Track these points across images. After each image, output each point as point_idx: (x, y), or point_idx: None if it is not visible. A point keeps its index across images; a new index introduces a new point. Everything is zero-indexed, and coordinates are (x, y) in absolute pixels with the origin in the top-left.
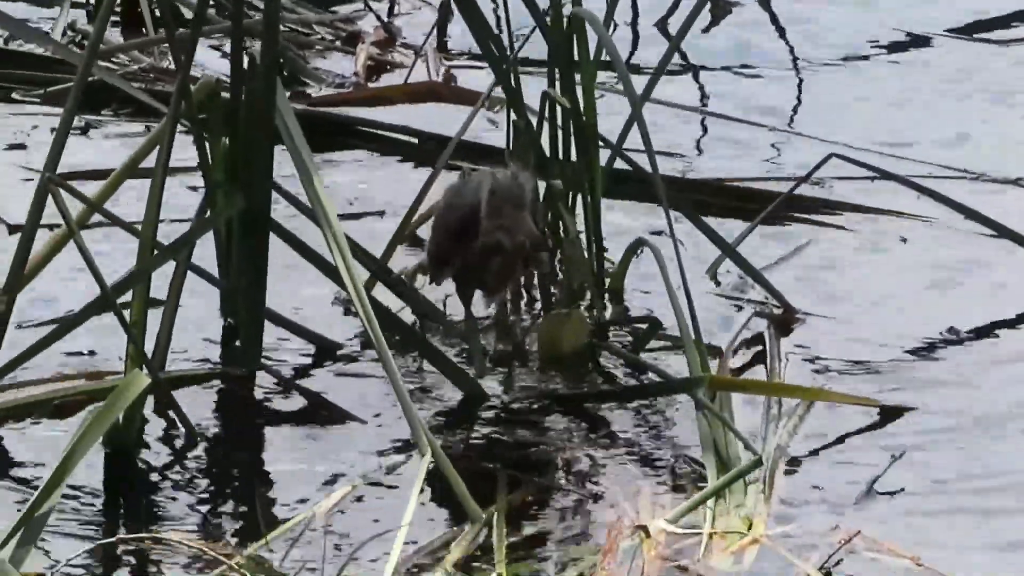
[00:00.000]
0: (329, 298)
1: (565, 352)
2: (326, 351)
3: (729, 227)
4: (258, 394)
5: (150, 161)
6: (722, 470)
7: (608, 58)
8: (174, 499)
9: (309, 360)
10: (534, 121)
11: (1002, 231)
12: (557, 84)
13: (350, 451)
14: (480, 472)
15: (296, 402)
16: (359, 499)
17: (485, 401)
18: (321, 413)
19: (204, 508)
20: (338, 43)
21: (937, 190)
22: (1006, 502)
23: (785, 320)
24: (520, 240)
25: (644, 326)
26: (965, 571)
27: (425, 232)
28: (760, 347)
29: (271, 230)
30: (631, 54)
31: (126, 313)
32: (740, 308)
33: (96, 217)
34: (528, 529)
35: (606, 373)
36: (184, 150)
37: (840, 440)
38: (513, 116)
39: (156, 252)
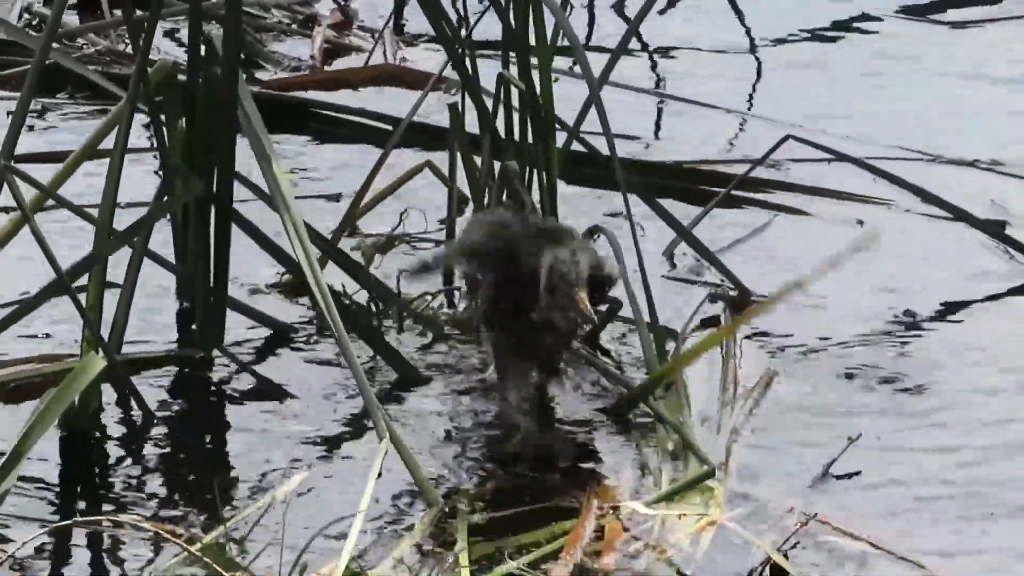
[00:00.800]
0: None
1: None
2: (280, 334)
3: (686, 210)
4: (215, 377)
5: (106, 143)
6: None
7: (566, 41)
8: (131, 482)
9: (264, 343)
10: (490, 103)
11: (958, 213)
12: (513, 66)
13: (307, 435)
14: (439, 456)
15: (253, 385)
16: (316, 483)
17: (423, 384)
18: (277, 396)
19: (161, 491)
20: (295, 26)
21: (894, 172)
22: (963, 484)
23: (741, 302)
24: (572, 317)
25: (603, 308)
26: (921, 552)
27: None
28: (716, 329)
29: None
30: (588, 36)
31: (83, 297)
32: (696, 290)
33: (53, 200)
34: (490, 513)
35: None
36: (140, 133)
37: (797, 423)
38: (456, 97)
39: (112, 236)
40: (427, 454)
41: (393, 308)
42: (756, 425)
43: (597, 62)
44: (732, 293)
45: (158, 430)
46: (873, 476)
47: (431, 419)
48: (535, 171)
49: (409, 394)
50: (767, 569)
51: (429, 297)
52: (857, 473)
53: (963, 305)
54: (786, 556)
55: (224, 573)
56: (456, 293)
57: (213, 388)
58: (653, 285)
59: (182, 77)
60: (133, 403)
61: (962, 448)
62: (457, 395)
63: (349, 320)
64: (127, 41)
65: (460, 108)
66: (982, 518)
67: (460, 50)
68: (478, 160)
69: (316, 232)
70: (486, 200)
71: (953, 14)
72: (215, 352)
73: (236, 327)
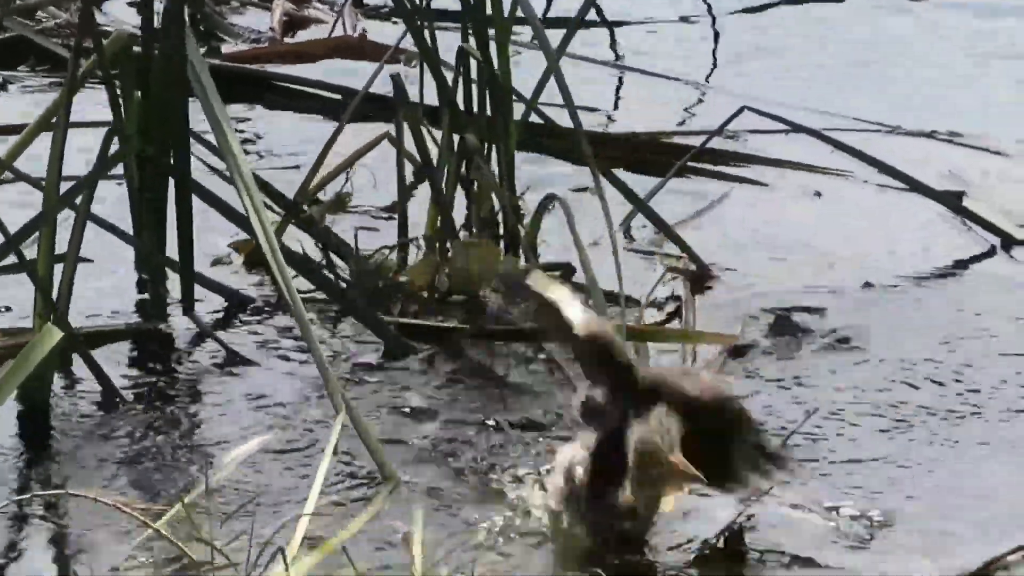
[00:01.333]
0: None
1: (480, 281)
2: (241, 306)
3: (643, 182)
4: (177, 350)
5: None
6: None
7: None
8: (91, 457)
9: (224, 315)
10: (449, 76)
11: (915, 185)
12: (472, 39)
13: (270, 409)
14: (404, 432)
15: (215, 357)
16: (278, 457)
17: (410, 353)
18: (240, 368)
19: (122, 466)
20: None
21: (851, 143)
22: (921, 455)
23: (699, 276)
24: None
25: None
26: (877, 520)
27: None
28: (676, 302)
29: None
30: (547, 8)
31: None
32: (655, 263)
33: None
34: (451, 488)
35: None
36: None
37: (756, 395)
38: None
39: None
40: (392, 429)
41: (350, 263)
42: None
43: (556, 35)
44: (691, 267)
45: (119, 403)
46: (832, 448)
47: (400, 395)
48: (493, 144)
49: (379, 368)
50: (722, 539)
51: (386, 252)
52: (816, 443)
53: (921, 276)
54: (742, 528)
55: (182, 548)
56: (411, 246)
57: (175, 361)
58: (611, 258)
59: (137, 48)
60: (94, 376)
61: (921, 418)
62: (427, 371)
63: (325, 289)
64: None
65: (420, 81)
66: (939, 487)
67: (419, 22)
68: (438, 133)
69: (274, 190)
70: (444, 175)
71: None
72: (179, 324)
73: (199, 297)
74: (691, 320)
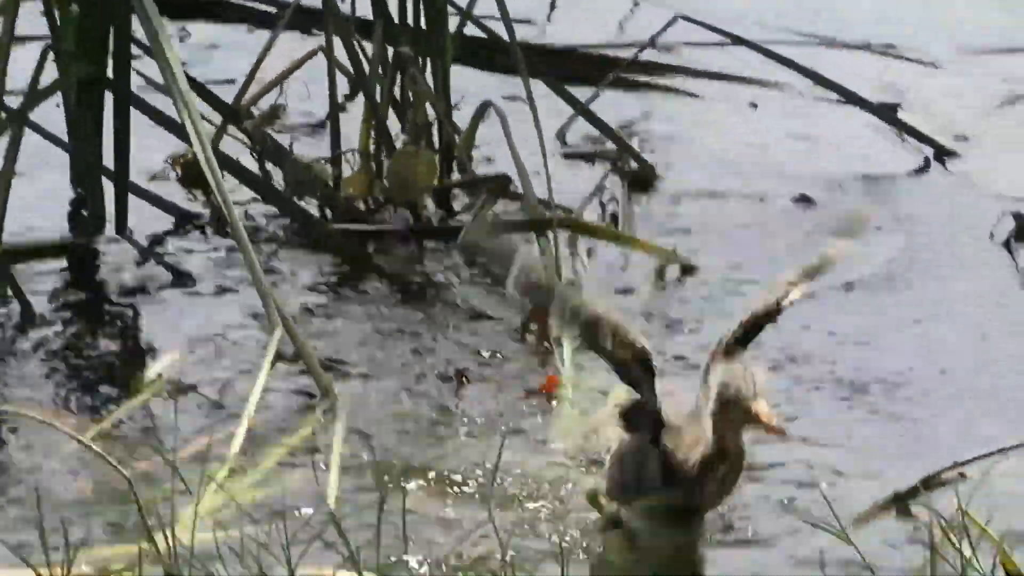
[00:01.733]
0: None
1: (417, 189)
2: (183, 220)
3: (580, 94)
4: (112, 266)
5: None
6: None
7: None
8: (22, 373)
9: (165, 231)
10: None
11: (849, 96)
12: None
13: (206, 322)
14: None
15: (154, 273)
16: (215, 377)
17: (375, 271)
18: (178, 283)
19: (53, 382)
20: None
21: (787, 55)
22: (863, 375)
23: (641, 176)
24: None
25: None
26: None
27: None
28: (613, 207)
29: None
30: None
31: None
32: (590, 171)
33: None
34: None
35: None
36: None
37: (690, 311)
38: None
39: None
40: (334, 349)
41: (285, 171)
42: (650, 311)
43: None
44: (630, 168)
45: (50, 321)
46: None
47: (354, 320)
48: (428, 57)
49: (329, 291)
50: None
51: (323, 161)
52: None
53: (856, 188)
54: None
55: (113, 463)
56: (346, 157)
57: (109, 278)
58: (549, 165)
59: None
60: (26, 293)
61: (867, 338)
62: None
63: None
64: None
65: None
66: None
67: None
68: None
69: (213, 95)
70: (377, 89)
71: None
72: (113, 240)
73: (133, 214)
74: (629, 223)
